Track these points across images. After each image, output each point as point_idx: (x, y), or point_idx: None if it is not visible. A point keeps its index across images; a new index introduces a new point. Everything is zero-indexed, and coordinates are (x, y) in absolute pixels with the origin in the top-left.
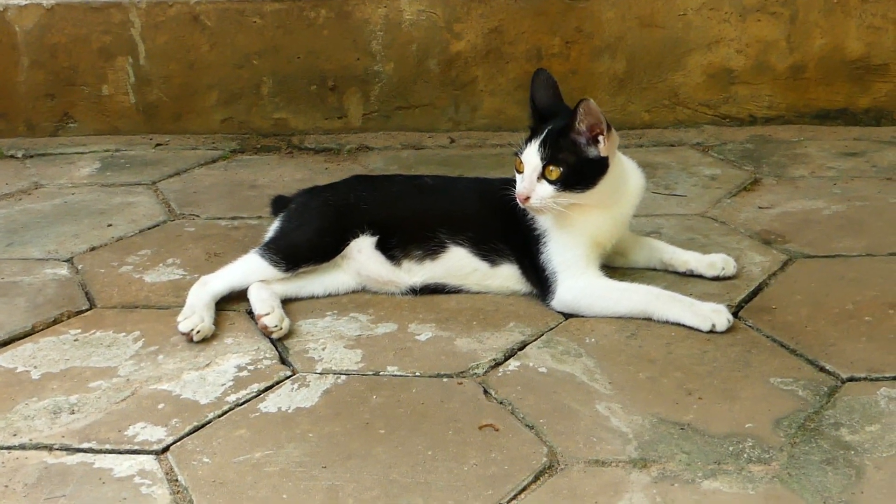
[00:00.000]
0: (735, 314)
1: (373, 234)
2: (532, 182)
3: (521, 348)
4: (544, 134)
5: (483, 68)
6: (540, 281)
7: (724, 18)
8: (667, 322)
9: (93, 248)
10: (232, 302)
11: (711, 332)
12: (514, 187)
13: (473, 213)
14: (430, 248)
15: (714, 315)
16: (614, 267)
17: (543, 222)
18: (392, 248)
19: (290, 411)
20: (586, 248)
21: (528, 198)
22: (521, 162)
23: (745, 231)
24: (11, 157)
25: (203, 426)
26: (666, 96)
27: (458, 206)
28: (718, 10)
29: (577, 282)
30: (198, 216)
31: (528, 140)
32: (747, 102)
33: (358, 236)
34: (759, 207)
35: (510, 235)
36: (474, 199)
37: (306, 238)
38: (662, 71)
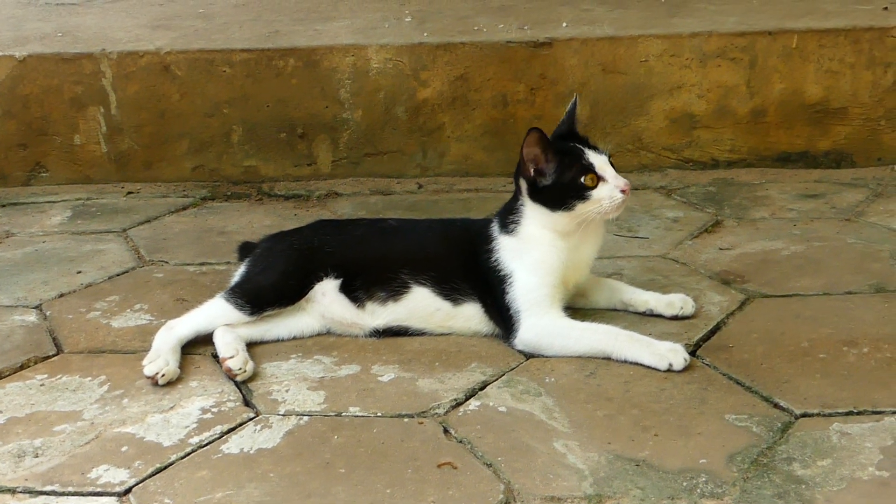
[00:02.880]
0: (693, 353)
1: (337, 277)
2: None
3: (482, 388)
4: (591, 146)
5: (450, 115)
6: (503, 320)
7: (685, 64)
8: (625, 361)
9: (62, 295)
10: (198, 346)
11: (669, 370)
12: (479, 227)
13: (436, 252)
14: (393, 289)
15: (671, 354)
16: (576, 308)
17: (509, 262)
18: (356, 291)
19: (251, 452)
20: (550, 289)
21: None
22: (595, 176)
23: (705, 272)
24: None
25: (165, 468)
26: (630, 140)
27: (420, 246)
28: (679, 56)
29: (540, 320)
30: (167, 262)
31: (582, 153)
32: (709, 146)
33: (322, 279)
34: (720, 248)
35: (472, 275)
36: (436, 239)
37: (271, 282)
38: (626, 116)
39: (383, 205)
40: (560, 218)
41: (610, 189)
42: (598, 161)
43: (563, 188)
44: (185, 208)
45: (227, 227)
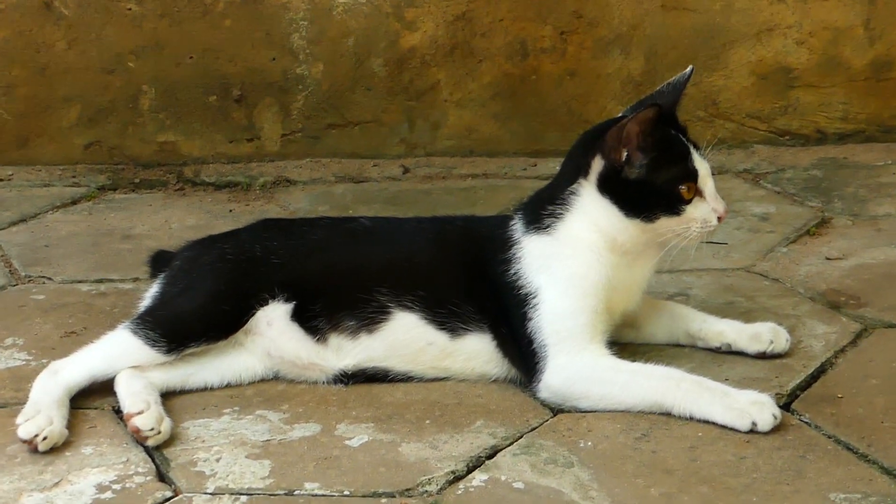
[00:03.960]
0: (786, 406)
1: (287, 300)
2: None
3: (490, 456)
4: (693, 143)
5: (447, 70)
6: (523, 357)
7: None
8: (691, 418)
9: None
10: (93, 396)
11: (751, 431)
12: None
13: (427, 263)
14: (368, 315)
15: (754, 409)
16: (624, 342)
17: (534, 275)
18: (315, 319)
19: None
20: (590, 315)
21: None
22: (694, 188)
23: (806, 291)
24: None
25: None
26: (701, 105)
27: (404, 254)
28: None
29: (574, 360)
30: (50, 279)
31: (689, 152)
32: (813, 113)
33: (267, 303)
34: (827, 258)
35: (479, 294)
36: (428, 245)
37: (195, 306)
38: (696, 71)
39: (353, 197)
40: (631, 227)
41: (706, 211)
42: (703, 169)
43: (653, 191)
44: (75, 202)
45: (135, 228)
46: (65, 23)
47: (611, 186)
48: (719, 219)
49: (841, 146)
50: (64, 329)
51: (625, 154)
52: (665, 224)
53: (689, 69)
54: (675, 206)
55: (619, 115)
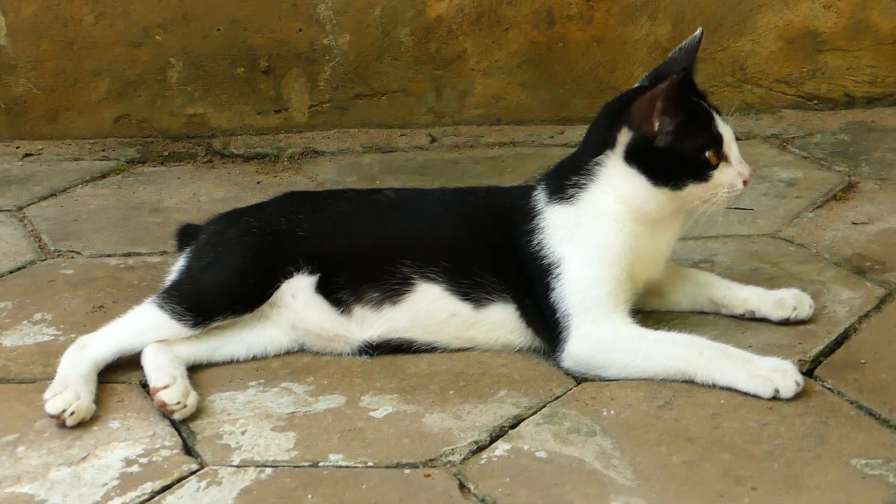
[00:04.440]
0: (809, 372)
1: (312, 273)
2: None
3: (513, 426)
4: (715, 109)
5: (473, 38)
6: (546, 327)
7: None
8: (714, 385)
9: None
10: (121, 371)
11: (774, 398)
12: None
13: (451, 235)
14: (392, 287)
15: (777, 376)
16: (648, 311)
17: (557, 245)
18: (339, 291)
19: None
20: (614, 285)
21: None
22: (720, 153)
23: (831, 257)
24: None
25: None
26: (728, 70)
27: (428, 226)
28: None
29: (598, 329)
30: (79, 253)
31: (713, 117)
32: (841, 77)
33: (292, 276)
34: (853, 223)
35: (503, 265)
36: (452, 217)
37: (220, 280)
38: (723, 36)
39: (381, 167)
40: (659, 196)
41: (732, 175)
42: (727, 134)
43: (680, 159)
44: (104, 176)
45: (164, 201)
46: None
47: (639, 157)
48: (745, 183)
49: (869, 110)
50: (92, 304)
51: (656, 124)
52: (692, 191)
53: (698, 31)
54: (702, 172)
55: (637, 84)
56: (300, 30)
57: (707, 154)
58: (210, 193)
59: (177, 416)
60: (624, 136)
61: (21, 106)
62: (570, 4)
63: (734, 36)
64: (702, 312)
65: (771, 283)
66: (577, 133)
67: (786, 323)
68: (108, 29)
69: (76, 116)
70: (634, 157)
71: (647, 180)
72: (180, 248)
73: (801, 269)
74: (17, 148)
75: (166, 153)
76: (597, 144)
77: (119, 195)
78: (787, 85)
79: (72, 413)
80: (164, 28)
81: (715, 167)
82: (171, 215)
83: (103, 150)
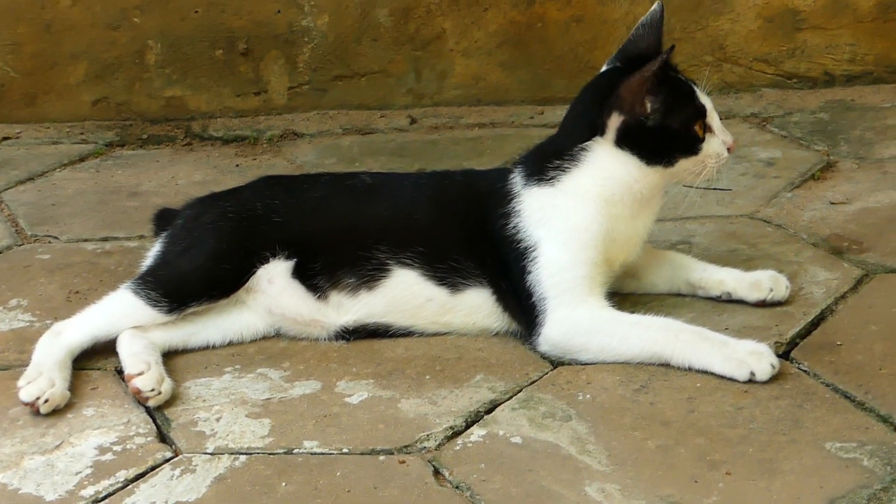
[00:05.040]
0: (784, 355)
1: (288, 258)
2: None
3: (489, 411)
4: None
5: (452, 19)
6: (522, 311)
7: None
8: (690, 368)
9: None
10: (96, 357)
11: (750, 381)
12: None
13: (427, 220)
14: (368, 272)
15: (752, 359)
16: (624, 293)
17: (534, 228)
18: (315, 276)
19: None
20: (590, 268)
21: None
22: (704, 124)
23: (809, 237)
24: None
25: None
26: (708, 49)
27: (404, 211)
28: None
29: (574, 312)
30: (56, 238)
31: (693, 90)
32: (821, 55)
33: (268, 261)
34: (831, 203)
35: (479, 249)
36: (428, 201)
37: (196, 265)
38: (702, 15)
39: (360, 149)
40: (651, 175)
41: (718, 145)
42: (708, 104)
43: (671, 135)
44: (82, 159)
45: (142, 185)
46: None
47: (631, 139)
48: (729, 150)
49: (848, 88)
50: (69, 289)
51: (648, 105)
52: (683, 165)
53: (656, 5)
54: (693, 146)
55: (606, 66)
56: (278, 11)
57: (695, 128)
58: (189, 177)
59: (151, 404)
60: (614, 121)
61: None
62: None
63: (713, 14)
64: (678, 294)
65: (748, 264)
66: (557, 113)
67: (762, 305)
68: (85, 11)
69: (54, 100)
70: (626, 140)
71: (639, 161)
72: (157, 233)
73: (778, 249)
74: None
75: (145, 136)
76: (582, 130)
77: (97, 179)
78: (767, 64)
79: (46, 401)
80: (142, 10)
81: (703, 139)
82: (149, 199)
83: (82, 134)
